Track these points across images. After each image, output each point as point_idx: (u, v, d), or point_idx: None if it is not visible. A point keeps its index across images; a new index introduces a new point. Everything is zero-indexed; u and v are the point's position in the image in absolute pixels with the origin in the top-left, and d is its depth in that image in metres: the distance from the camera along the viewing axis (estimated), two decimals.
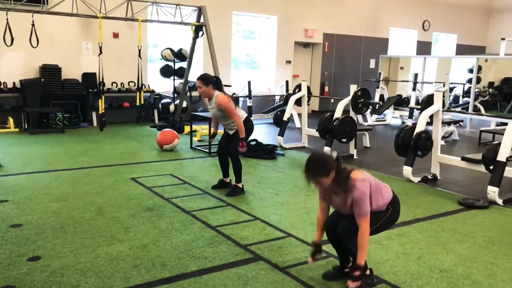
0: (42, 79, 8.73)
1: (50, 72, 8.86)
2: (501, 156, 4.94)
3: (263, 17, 12.02)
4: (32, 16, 6.94)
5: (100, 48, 7.42)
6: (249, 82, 10.52)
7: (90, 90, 9.21)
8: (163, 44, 10.43)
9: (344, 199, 2.85)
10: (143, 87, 8.87)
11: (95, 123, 9.30)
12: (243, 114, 4.94)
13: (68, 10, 7.44)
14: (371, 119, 11.26)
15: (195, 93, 9.79)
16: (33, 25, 6.97)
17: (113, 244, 3.54)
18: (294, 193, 5.11)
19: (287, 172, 6.06)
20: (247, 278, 3.06)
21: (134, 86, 9.36)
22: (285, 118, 7.94)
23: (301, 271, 3.17)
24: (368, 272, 2.95)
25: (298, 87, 9.18)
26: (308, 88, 8.59)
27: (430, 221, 4.31)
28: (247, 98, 10.52)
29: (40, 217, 4.04)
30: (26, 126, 8.62)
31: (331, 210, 3.05)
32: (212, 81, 4.81)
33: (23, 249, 3.38)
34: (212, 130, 5.34)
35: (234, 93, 10.39)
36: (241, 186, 4.99)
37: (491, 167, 5.06)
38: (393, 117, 11.55)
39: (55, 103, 8.83)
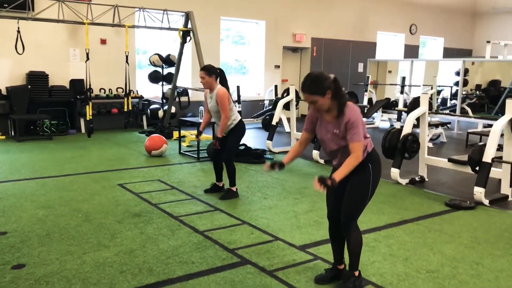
0: (29, 86, 8.67)
1: (37, 79, 8.80)
2: (487, 157, 4.99)
3: (252, 22, 12.06)
4: (18, 23, 6.90)
5: (87, 54, 7.39)
6: (238, 87, 10.52)
7: (77, 96, 9.16)
8: (152, 50, 10.41)
9: (335, 126, 2.76)
10: (132, 93, 8.84)
11: (83, 130, 9.25)
12: (237, 116, 4.96)
13: (54, 17, 7.41)
14: None
15: (183, 99, 9.79)
16: (18, 31, 6.93)
17: (99, 250, 3.51)
18: (282, 196, 5.11)
19: (275, 176, 6.07)
20: (234, 282, 3.05)
21: (122, 92, 9.32)
22: (274, 123, 7.95)
23: (288, 274, 3.17)
24: (356, 273, 2.95)
25: (287, 91, 9.20)
26: (297, 92, 8.62)
27: (418, 223, 4.33)
28: (236, 103, 10.52)
29: (25, 225, 4.00)
30: (12, 134, 8.54)
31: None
32: (215, 72, 4.83)
33: (7, 257, 3.34)
34: (200, 127, 5.32)
35: (238, 86, 10.34)
36: (235, 190, 4.99)
37: (477, 168, 5.10)
38: (381, 120, 11.62)
39: (42, 110, 8.76)
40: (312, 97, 2.72)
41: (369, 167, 2.86)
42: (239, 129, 4.95)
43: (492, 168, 5.02)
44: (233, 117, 4.91)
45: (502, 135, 5.12)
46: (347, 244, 2.94)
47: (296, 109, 8.74)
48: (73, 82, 9.27)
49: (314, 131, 2.96)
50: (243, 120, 5.09)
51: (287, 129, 9.91)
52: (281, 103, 8.20)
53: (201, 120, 6.66)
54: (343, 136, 2.76)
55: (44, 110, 8.77)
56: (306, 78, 2.76)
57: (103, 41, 9.63)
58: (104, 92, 9.63)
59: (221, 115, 4.82)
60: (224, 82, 4.99)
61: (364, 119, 11.32)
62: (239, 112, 10.41)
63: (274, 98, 10.77)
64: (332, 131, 2.80)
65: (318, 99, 2.71)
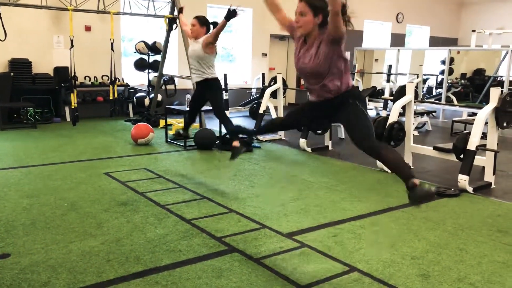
0: (12, 74, 8.51)
1: (20, 66, 8.64)
2: (471, 145, 5.05)
3: (238, 9, 11.94)
4: None
5: (72, 41, 7.28)
6: (225, 75, 10.46)
7: (62, 84, 9.03)
8: (138, 38, 10.29)
9: (315, 49, 2.75)
10: (117, 81, 8.74)
11: (68, 118, 9.13)
12: (215, 73, 5.05)
13: (37, 2, 7.27)
14: None
15: (170, 87, 9.72)
16: (0, 17, 6.78)
17: (85, 239, 3.49)
18: (269, 185, 5.12)
19: (262, 164, 6.07)
20: (221, 269, 3.06)
21: (108, 80, 9.21)
22: (261, 111, 7.94)
23: (275, 262, 3.19)
24: (416, 181, 2.78)
25: (274, 79, 9.19)
26: (284, 80, 8.61)
27: (403, 210, 4.38)
28: (223, 91, 10.47)
29: (10, 214, 3.96)
30: None
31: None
32: (207, 25, 4.86)
33: None
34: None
35: (225, 74, 10.32)
36: (238, 145, 4.48)
37: (462, 156, 5.17)
38: (368, 108, 11.66)
39: (25, 98, 8.63)
40: (306, 7, 2.69)
41: (355, 103, 2.81)
42: (217, 86, 4.97)
43: (476, 156, 5.09)
44: (214, 70, 4.93)
45: (486, 123, 5.19)
46: (388, 164, 2.84)
47: (284, 97, 8.74)
48: (57, 69, 9.14)
49: (288, 24, 2.97)
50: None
51: (274, 117, 9.90)
52: (268, 91, 8.18)
53: (187, 109, 6.64)
54: (324, 53, 2.71)
55: (28, 98, 8.63)
56: None
57: (88, 28, 9.49)
58: (89, 80, 9.51)
59: (203, 63, 4.84)
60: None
61: None
62: (226, 100, 10.41)
63: (261, 87, 10.74)
64: (314, 55, 2.77)
65: (309, 14, 2.68)
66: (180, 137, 5.20)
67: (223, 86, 10.29)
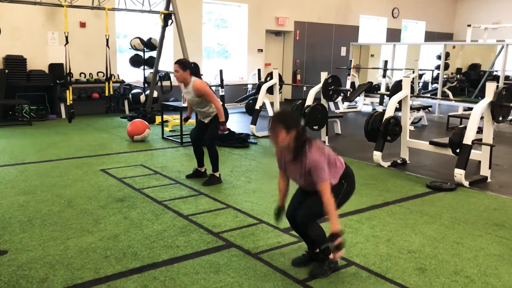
0: (6, 70, 8.46)
1: (14, 63, 8.60)
2: (467, 140, 5.07)
3: (234, 5, 11.94)
4: None
5: (66, 38, 7.25)
6: (221, 71, 10.45)
7: (57, 81, 8.99)
8: (133, 34, 10.24)
9: (299, 167, 2.84)
10: (113, 78, 8.71)
11: (63, 115, 9.10)
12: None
13: None
14: (343, 106, 11.37)
15: (166, 83, 9.69)
16: None
17: (83, 236, 3.48)
18: (266, 180, 5.12)
19: (259, 160, 6.08)
20: (219, 265, 3.06)
21: (103, 76, 9.18)
22: (257, 107, 7.94)
23: (272, 257, 3.20)
24: (331, 256, 2.98)
25: (270, 75, 9.17)
26: (280, 76, 8.60)
27: (400, 204, 4.40)
28: (219, 87, 10.46)
29: (6, 211, 3.94)
30: None
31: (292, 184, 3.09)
32: (190, 67, 4.79)
33: None
34: (187, 113, 5.29)
35: (221, 70, 10.31)
36: (218, 175, 4.97)
37: (458, 151, 5.19)
38: (364, 104, 11.69)
39: (20, 95, 8.59)
40: (278, 126, 2.78)
41: (342, 182, 2.95)
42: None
43: (472, 151, 5.11)
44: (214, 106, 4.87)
45: (482, 117, 5.20)
46: (309, 236, 3.01)
47: (280, 93, 8.73)
48: (52, 66, 9.09)
49: (279, 159, 3.07)
50: (225, 105, 5.06)
51: (270, 113, 9.88)
52: (264, 87, 8.17)
53: (184, 105, 6.62)
54: (309, 174, 2.82)
55: (23, 95, 8.59)
56: (280, 111, 2.93)
57: (83, 24, 9.43)
58: (85, 77, 9.47)
59: (203, 106, 4.80)
60: (197, 76, 4.95)
61: (347, 103, 11.40)
62: (222, 96, 10.39)
63: (257, 82, 10.73)
64: (297, 170, 2.88)
65: (282, 133, 2.78)
66: (200, 175, 5.11)
67: (218, 83, 10.37)
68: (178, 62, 4.76)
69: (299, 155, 2.83)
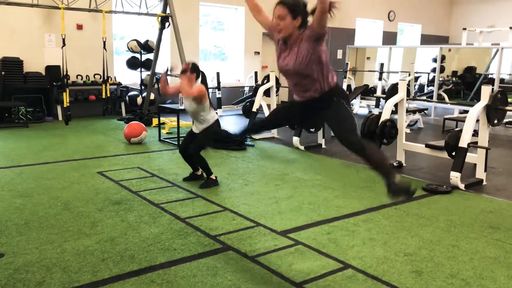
0: (3, 73, 8.45)
1: (11, 65, 8.58)
2: (463, 143, 5.10)
3: (231, 8, 11.96)
4: None
5: (63, 40, 7.24)
6: (217, 74, 10.48)
7: (54, 83, 8.98)
8: (130, 36, 10.25)
9: (297, 50, 2.75)
10: (109, 80, 8.71)
11: (60, 117, 9.09)
12: (214, 116, 4.92)
13: (29, 1, 7.22)
14: None
15: None
16: None
17: (80, 238, 3.48)
18: (263, 183, 5.13)
19: (256, 162, 6.09)
20: (217, 268, 3.07)
21: (100, 78, 9.17)
22: (254, 109, 7.95)
23: (270, 260, 3.21)
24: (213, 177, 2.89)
25: (267, 78, 9.20)
26: (277, 78, 8.62)
27: (396, 207, 4.41)
28: (216, 90, 10.48)
29: (2, 214, 3.94)
30: None
31: None
32: (197, 72, 4.82)
33: None
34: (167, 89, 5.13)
35: (218, 72, 10.35)
36: (214, 178, 4.97)
37: (454, 153, 5.22)
38: (360, 106, 11.73)
39: (17, 97, 8.56)
40: (284, 9, 2.67)
41: (339, 100, 2.80)
42: (213, 130, 4.89)
43: (467, 153, 5.14)
44: (210, 116, 4.86)
45: (477, 121, 5.24)
46: (371, 163, 2.82)
47: (277, 95, 8.75)
48: (49, 68, 9.08)
49: (268, 26, 2.95)
50: (218, 119, 5.01)
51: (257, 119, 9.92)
52: (261, 89, 8.19)
53: (181, 107, 6.62)
54: (306, 53, 2.71)
55: (19, 97, 8.57)
56: None
57: (80, 27, 9.43)
58: (81, 79, 9.46)
59: (199, 112, 4.79)
60: (204, 83, 4.98)
61: None
62: (219, 99, 10.41)
63: (254, 85, 10.75)
64: (296, 55, 2.76)
65: (287, 17, 2.67)
66: (197, 178, 5.12)
67: (215, 85, 10.38)
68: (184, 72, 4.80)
69: (299, 37, 2.71)
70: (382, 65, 11.44)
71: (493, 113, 5.20)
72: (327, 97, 2.79)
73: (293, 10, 2.65)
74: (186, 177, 5.14)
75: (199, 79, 4.95)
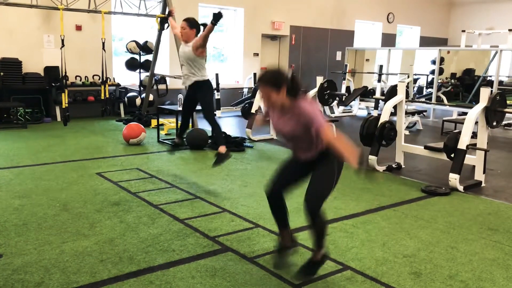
0: (1, 73, 8.44)
1: (9, 65, 8.57)
2: (462, 144, 5.10)
3: (230, 9, 11.96)
4: None
5: (62, 41, 7.23)
6: (216, 75, 10.48)
7: (53, 84, 8.97)
8: (129, 37, 10.25)
9: (290, 118, 2.78)
10: (108, 81, 8.70)
11: (58, 118, 9.07)
12: (208, 75, 5.07)
13: (28, 1, 7.21)
14: (338, 111, 11.41)
15: (161, 86, 9.69)
16: None
17: (78, 239, 3.48)
18: (262, 184, 5.11)
19: (255, 164, 6.09)
20: (215, 269, 3.06)
21: (99, 79, 9.16)
22: (253, 111, 7.95)
23: (269, 261, 3.20)
24: (323, 250, 2.96)
25: None
26: None
27: (395, 209, 4.42)
28: (215, 91, 10.48)
29: (1, 215, 3.93)
30: None
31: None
32: (197, 27, 4.86)
33: None
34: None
35: (217, 73, 10.32)
36: (225, 150, 4.90)
37: (452, 155, 5.22)
38: (359, 108, 11.73)
39: (15, 97, 8.56)
40: (267, 87, 2.73)
41: (334, 159, 2.84)
42: (207, 85, 4.97)
43: (466, 155, 5.15)
44: (205, 72, 4.94)
45: (476, 122, 5.24)
46: (315, 227, 2.88)
47: None
48: (47, 69, 9.07)
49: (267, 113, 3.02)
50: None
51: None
52: None
53: (179, 108, 6.63)
54: (303, 125, 2.74)
55: (18, 98, 8.56)
56: (265, 71, 2.80)
57: (79, 28, 9.43)
58: (80, 80, 9.45)
59: (194, 63, 4.84)
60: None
61: (342, 108, 11.44)
62: (218, 100, 10.40)
63: (253, 86, 10.75)
64: (287, 121, 2.80)
65: (273, 94, 2.73)
66: (177, 147, 5.19)
67: (214, 86, 10.38)
68: (186, 20, 4.92)
69: (292, 107, 2.75)
70: (381, 67, 11.46)
71: (492, 115, 5.21)
72: (324, 154, 2.85)
73: (275, 84, 2.71)
74: (171, 150, 5.34)
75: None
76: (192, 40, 4.86)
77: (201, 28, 4.95)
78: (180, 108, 6.42)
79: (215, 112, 5.34)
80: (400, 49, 14.94)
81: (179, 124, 5.39)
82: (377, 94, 10.92)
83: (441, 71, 11.88)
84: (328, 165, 2.85)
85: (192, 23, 4.83)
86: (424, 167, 6.24)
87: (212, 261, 3.17)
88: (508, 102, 5.47)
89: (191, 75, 4.92)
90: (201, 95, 4.96)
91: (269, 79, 2.74)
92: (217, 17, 4.80)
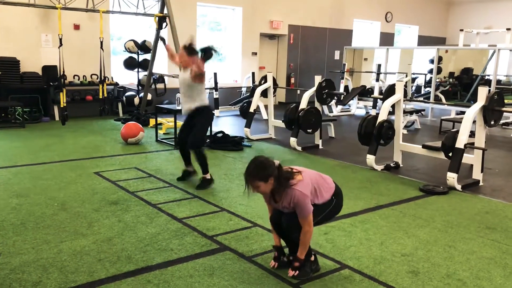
0: None
1: (7, 65, 8.56)
2: (459, 143, 5.11)
3: (228, 8, 11.96)
4: None
5: (60, 40, 7.23)
6: (215, 74, 10.48)
7: (51, 83, 8.95)
8: (127, 36, 10.24)
9: (284, 202, 2.90)
10: (106, 80, 8.69)
11: (57, 117, 9.06)
12: (207, 100, 4.96)
13: (25, 1, 7.20)
14: (336, 110, 11.42)
15: (160, 86, 9.69)
16: None
17: (76, 239, 3.47)
18: None
19: None
20: (213, 268, 3.07)
21: (97, 78, 9.16)
22: (251, 110, 7.95)
23: (267, 260, 3.20)
24: (312, 258, 3.01)
25: (264, 78, 9.20)
26: (274, 79, 8.63)
27: (393, 208, 4.42)
28: (214, 90, 10.48)
29: None
30: None
31: None
32: (195, 53, 4.77)
33: None
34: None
35: (215, 73, 10.30)
36: (209, 177, 4.94)
37: (450, 154, 5.23)
38: (357, 107, 11.74)
39: (13, 97, 8.54)
40: (255, 182, 2.82)
41: (332, 199, 3.01)
42: (207, 112, 4.89)
43: (464, 154, 5.15)
44: (203, 97, 4.89)
45: (474, 121, 5.25)
46: (305, 244, 2.95)
47: (274, 96, 8.75)
48: (45, 68, 9.06)
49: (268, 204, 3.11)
50: (212, 110, 5.04)
51: (264, 116, 9.93)
52: (258, 90, 8.20)
53: (178, 108, 6.62)
54: (293, 208, 2.87)
55: (16, 97, 8.55)
56: (251, 163, 2.90)
57: (77, 27, 9.41)
58: (78, 79, 9.44)
59: (193, 88, 4.79)
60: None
61: (340, 107, 11.45)
62: (216, 99, 10.40)
63: (251, 85, 10.75)
64: (283, 206, 2.92)
65: (261, 184, 2.81)
66: (190, 175, 5.11)
67: (213, 85, 10.37)
68: (184, 48, 4.81)
69: (284, 196, 2.86)
70: (379, 66, 11.47)
71: (490, 114, 5.21)
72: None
73: (262, 178, 2.81)
74: (179, 177, 5.13)
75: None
76: (191, 66, 4.76)
77: (200, 53, 4.81)
78: (179, 108, 6.41)
79: (206, 141, 5.20)
80: (398, 48, 14.96)
81: (180, 149, 5.15)
82: (375, 93, 10.93)
83: (439, 70, 11.91)
84: (324, 204, 3.00)
85: (190, 51, 4.74)
86: (422, 166, 6.24)
87: (210, 260, 3.18)
88: (506, 101, 5.47)
89: (191, 100, 4.86)
90: (199, 118, 4.85)
91: (255, 174, 2.83)
92: (207, 56, 4.72)
